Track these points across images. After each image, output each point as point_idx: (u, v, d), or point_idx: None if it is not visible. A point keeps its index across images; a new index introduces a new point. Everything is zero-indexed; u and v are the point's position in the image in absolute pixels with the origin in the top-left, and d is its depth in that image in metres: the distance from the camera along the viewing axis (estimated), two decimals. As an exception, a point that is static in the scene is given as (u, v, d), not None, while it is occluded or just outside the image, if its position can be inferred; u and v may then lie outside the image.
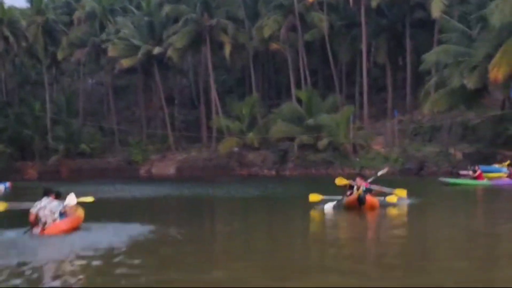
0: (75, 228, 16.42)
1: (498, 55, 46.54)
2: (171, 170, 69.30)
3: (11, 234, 16.04)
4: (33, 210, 16.11)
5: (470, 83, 49.00)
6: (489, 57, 47.84)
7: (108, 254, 12.55)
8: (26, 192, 36.80)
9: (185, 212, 24.35)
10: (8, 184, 44.83)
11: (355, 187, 22.22)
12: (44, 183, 48.42)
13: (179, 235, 16.23)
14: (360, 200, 21.53)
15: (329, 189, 23.65)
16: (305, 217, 21.01)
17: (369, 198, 21.82)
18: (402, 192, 23.30)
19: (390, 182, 31.37)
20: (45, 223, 15.87)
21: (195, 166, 67.49)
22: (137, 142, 72.92)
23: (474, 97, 51.44)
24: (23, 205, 17.70)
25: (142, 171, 70.17)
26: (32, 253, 13.56)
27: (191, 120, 76.60)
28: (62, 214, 16.41)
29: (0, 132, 72.27)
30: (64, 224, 16.19)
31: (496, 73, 46.15)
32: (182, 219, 20.18)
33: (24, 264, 11.74)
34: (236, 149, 66.28)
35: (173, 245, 14.34)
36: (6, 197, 29.23)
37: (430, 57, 53.81)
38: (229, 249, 13.55)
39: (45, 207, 16.04)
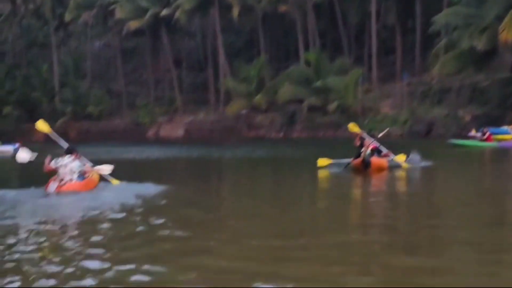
0: (89, 190, 16.31)
1: (508, 17, 46.13)
2: (179, 132, 69.27)
3: (24, 192, 15.99)
4: (53, 164, 16.32)
5: (480, 45, 48.66)
6: (499, 18, 47.45)
7: (126, 213, 12.48)
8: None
9: (195, 174, 24.26)
10: (17, 145, 44.82)
11: (364, 147, 21.41)
12: (51, 145, 48.71)
13: (190, 195, 16.30)
14: (365, 164, 20.94)
15: (337, 151, 23.58)
16: (313, 178, 20.86)
17: (375, 160, 21.26)
18: (402, 158, 22.62)
19: (398, 144, 31.26)
20: (61, 180, 16.04)
21: (203, 129, 67.44)
22: (145, 105, 72.85)
23: (483, 59, 51.08)
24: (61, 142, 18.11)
25: (150, 133, 70.18)
26: (52, 211, 13.68)
27: (199, 82, 76.39)
28: (80, 176, 16.49)
29: (8, 94, 72.37)
30: (80, 185, 16.26)
31: (506, 34, 45.79)
32: (191, 180, 20.05)
33: (45, 223, 11.85)
34: (244, 111, 66.19)
35: (185, 205, 14.30)
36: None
37: (439, 19, 53.36)
38: (237, 209, 13.46)
39: (66, 165, 16.26)
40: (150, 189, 16.28)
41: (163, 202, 14.26)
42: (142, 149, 43.25)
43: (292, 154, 35.29)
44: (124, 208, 13.10)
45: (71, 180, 16.11)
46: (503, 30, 46.06)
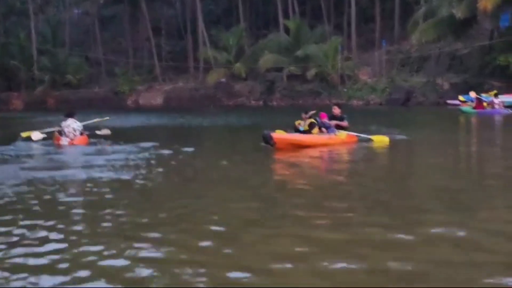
0: (86, 144, 20.67)
1: (487, -15, 46.18)
2: (158, 100, 69.13)
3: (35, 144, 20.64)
4: (58, 127, 21.44)
5: (459, 12, 48.67)
6: (478, -14, 47.50)
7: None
8: (11, 123, 36.76)
9: (180, 140, 24.35)
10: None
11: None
12: (30, 114, 48.48)
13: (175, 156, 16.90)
14: (264, 138, 17.94)
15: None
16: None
17: (279, 136, 18.02)
18: (383, 139, 19.81)
19: (377, 111, 31.39)
20: (68, 137, 20.74)
21: (182, 97, 67.29)
22: (124, 73, 72.43)
23: (462, 27, 51.15)
24: (46, 130, 22.46)
25: (129, 102, 69.91)
26: (72, 158, 17.19)
27: (178, 50, 75.98)
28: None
29: (-15, 63, 71.77)
30: (82, 139, 20.94)
31: (486, 2, 45.74)
32: (174, 145, 20.20)
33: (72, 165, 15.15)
34: (223, 79, 66.13)
35: (174, 165, 15.04)
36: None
37: (419, -13, 53.48)
38: (218, 176, 13.51)
39: (69, 126, 20.98)
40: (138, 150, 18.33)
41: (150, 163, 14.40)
42: (122, 117, 43.11)
43: (271, 122, 35.28)
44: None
45: (75, 136, 20.84)
46: (482, -2, 46.11)
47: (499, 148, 19.38)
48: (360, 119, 31.14)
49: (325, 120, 19.81)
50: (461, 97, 43.05)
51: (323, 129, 19.27)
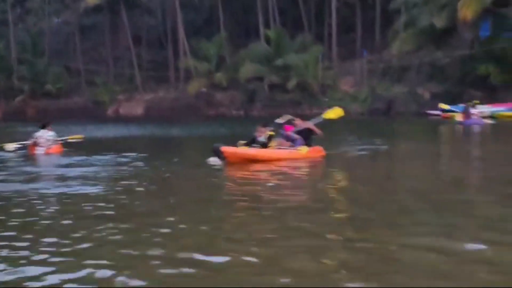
0: (61, 152, 21.74)
1: (467, -6, 46.34)
2: (138, 110, 68.90)
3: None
4: (33, 139, 22.07)
5: (439, 22, 48.89)
6: (458, -4, 47.64)
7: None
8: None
9: (158, 150, 24.19)
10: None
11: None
12: (8, 124, 48.07)
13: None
14: (214, 151, 16.88)
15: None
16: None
17: (228, 149, 16.66)
18: (336, 111, 19.39)
19: (358, 121, 31.28)
20: (43, 147, 21.70)
21: (163, 107, 67.08)
22: (104, 82, 72.20)
23: (442, 36, 51.32)
24: (21, 142, 22.97)
25: (110, 112, 69.63)
26: (48, 164, 18.40)
27: (159, 60, 75.72)
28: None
29: (-36, 72, 71.29)
30: (56, 148, 22.11)
31: (465, 12, 46.00)
32: (153, 156, 20.06)
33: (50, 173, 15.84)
34: (204, 89, 65.97)
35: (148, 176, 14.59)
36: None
37: (399, -4, 53.61)
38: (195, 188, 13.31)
39: (42, 136, 21.90)
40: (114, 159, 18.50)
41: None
42: (102, 127, 42.88)
43: (251, 132, 35.09)
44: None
45: (49, 145, 21.85)
46: (462, 7, 46.24)
47: (479, 158, 19.21)
48: (341, 129, 31.01)
49: (290, 132, 18.30)
50: (444, 106, 43.11)
51: (288, 142, 17.89)
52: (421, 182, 13.10)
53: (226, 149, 16.55)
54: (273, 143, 17.53)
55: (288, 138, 17.99)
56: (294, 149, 17.59)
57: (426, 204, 10.06)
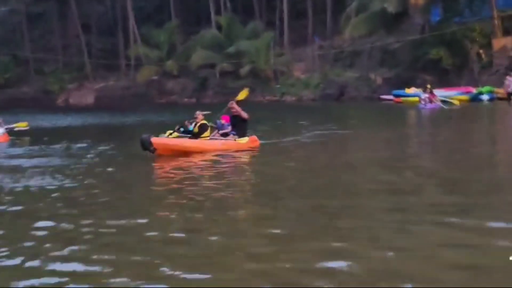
0: (8, 141, 22.65)
1: (418, -21, 46.39)
2: (88, 99, 68.03)
3: None
4: None
5: (391, 7, 48.86)
6: (409, -20, 47.68)
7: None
8: None
9: (109, 139, 23.74)
10: None
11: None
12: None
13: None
14: (142, 143, 15.38)
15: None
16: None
17: (160, 141, 15.58)
18: (244, 93, 18.36)
19: (310, 107, 31.09)
20: None
21: (114, 95, 66.23)
22: (53, 71, 71.10)
23: (394, 21, 51.35)
24: None
25: (59, 101, 68.67)
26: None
27: (109, 48, 74.66)
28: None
29: None
30: (3, 137, 22.83)
31: (417, -4, 46.01)
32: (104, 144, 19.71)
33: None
34: (155, 77, 65.39)
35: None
36: None
37: (350, -19, 53.52)
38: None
39: None
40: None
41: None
42: (52, 117, 42.34)
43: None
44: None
45: None
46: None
47: (435, 142, 19.06)
48: (294, 115, 30.84)
49: (226, 123, 17.57)
50: (409, 90, 43.15)
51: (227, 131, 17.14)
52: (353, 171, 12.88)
53: (156, 140, 15.45)
54: (206, 133, 16.65)
55: (223, 128, 17.36)
56: (232, 139, 16.85)
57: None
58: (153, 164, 14.66)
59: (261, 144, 17.49)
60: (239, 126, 17.20)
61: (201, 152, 15.90)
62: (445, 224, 7.30)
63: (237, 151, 16.16)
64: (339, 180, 11.44)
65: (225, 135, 17.13)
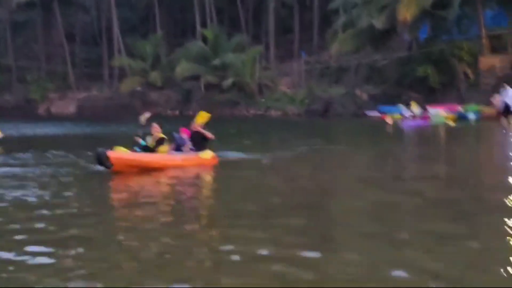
0: None
1: (406, -4, 45.98)
2: (71, 109, 67.48)
3: None
4: None
5: (379, 23, 48.45)
6: (397, -3, 47.28)
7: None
8: None
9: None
10: None
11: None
12: None
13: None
14: (98, 158, 13.97)
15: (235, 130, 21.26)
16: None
17: (119, 156, 14.07)
18: (203, 115, 16.75)
19: (295, 123, 30.52)
20: None
21: (97, 105, 65.66)
22: (36, 80, 70.38)
23: (381, 38, 51.10)
24: None
25: (41, 110, 68.07)
26: None
27: (93, 58, 74.23)
28: None
29: None
30: None
31: (405, 13, 45.58)
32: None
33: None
34: (138, 88, 64.84)
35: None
36: None
37: (338, -3, 53.22)
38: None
39: None
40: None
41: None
42: (33, 126, 41.71)
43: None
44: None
45: None
46: (401, 9, 45.81)
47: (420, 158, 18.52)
48: (278, 130, 30.31)
49: (184, 136, 16.27)
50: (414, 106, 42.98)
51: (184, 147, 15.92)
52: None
53: (114, 154, 14.04)
54: (163, 148, 15.41)
55: (181, 142, 16.11)
56: (194, 154, 15.87)
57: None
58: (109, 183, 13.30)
59: (239, 159, 16.92)
60: (200, 143, 16.34)
61: (161, 167, 14.75)
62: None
63: (199, 166, 15.32)
64: (312, 199, 10.66)
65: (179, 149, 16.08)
